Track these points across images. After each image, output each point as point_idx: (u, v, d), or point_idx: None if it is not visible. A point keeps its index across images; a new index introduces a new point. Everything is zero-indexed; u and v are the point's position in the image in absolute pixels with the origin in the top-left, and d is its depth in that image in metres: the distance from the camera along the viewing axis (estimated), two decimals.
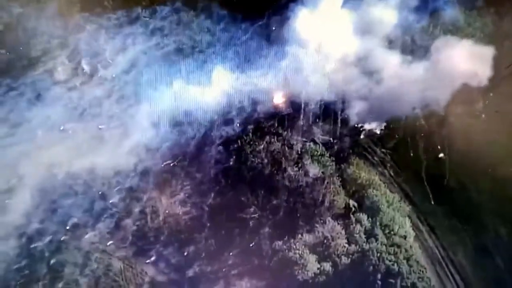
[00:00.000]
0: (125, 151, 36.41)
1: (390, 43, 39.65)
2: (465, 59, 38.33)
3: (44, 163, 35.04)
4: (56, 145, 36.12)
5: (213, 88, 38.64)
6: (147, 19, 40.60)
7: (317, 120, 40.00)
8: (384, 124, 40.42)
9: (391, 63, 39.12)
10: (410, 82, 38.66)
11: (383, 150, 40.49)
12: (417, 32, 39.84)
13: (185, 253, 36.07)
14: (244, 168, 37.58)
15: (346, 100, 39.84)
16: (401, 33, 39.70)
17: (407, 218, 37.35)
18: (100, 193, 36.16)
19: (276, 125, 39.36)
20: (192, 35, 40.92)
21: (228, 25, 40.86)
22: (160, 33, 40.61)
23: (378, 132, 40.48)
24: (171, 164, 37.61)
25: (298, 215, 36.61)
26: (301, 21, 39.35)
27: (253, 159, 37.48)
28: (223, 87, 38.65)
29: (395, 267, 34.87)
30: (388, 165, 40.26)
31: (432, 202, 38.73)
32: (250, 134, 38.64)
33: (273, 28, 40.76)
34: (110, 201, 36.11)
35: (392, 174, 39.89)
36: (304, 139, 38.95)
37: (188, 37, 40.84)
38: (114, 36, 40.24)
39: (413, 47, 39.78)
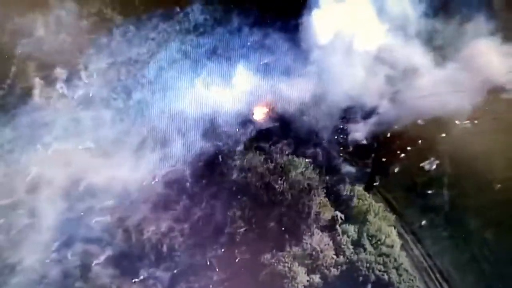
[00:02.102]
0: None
1: (419, 41, 39.34)
2: (496, 60, 38.52)
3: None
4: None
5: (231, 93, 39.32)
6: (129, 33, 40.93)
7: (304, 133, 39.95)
8: (371, 134, 40.15)
9: (419, 62, 39.03)
10: (439, 83, 38.67)
11: (366, 160, 40.57)
12: (447, 31, 39.48)
13: (172, 271, 35.46)
14: (229, 182, 37.31)
15: (367, 105, 39.81)
16: (431, 31, 39.47)
17: (393, 228, 37.56)
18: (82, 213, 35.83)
19: (261, 138, 39.34)
20: (217, 37, 41.12)
21: (254, 26, 40.99)
22: (186, 34, 41.09)
23: (364, 142, 40.30)
24: (153, 182, 37.23)
25: (285, 228, 36.24)
26: (328, 18, 39.26)
27: (239, 173, 37.31)
28: (240, 93, 39.27)
29: (385, 276, 35.01)
30: (373, 175, 40.44)
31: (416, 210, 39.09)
32: (234, 148, 38.46)
33: (299, 28, 40.30)
34: (94, 220, 35.60)
35: (376, 184, 40.10)
36: (288, 152, 38.69)
37: (214, 39, 41.08)
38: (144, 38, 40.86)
39: (443, 47, 39.47)
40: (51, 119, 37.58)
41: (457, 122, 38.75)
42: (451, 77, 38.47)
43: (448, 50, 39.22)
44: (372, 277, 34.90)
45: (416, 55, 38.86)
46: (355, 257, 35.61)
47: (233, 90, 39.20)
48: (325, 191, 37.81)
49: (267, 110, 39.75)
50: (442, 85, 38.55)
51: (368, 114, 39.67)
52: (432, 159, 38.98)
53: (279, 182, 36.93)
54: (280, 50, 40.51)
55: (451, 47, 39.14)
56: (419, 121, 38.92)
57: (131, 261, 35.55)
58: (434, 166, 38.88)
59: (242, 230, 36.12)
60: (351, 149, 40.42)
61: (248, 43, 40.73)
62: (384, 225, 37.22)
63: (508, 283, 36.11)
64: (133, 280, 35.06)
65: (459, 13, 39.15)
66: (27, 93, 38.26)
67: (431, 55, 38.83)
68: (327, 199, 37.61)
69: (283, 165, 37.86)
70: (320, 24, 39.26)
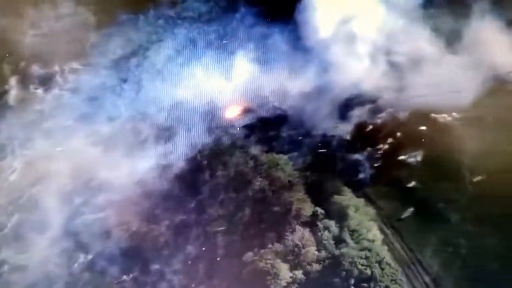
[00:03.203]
0: None
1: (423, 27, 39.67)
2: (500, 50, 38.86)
3: None
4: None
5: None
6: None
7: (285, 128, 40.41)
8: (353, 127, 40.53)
9: (422, 51, 39.42)
10: (441, 74, 38.99)
11: (348, 154, 40.62)
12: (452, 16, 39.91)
13: (152, 271, 35.46)
14: (208, 181, 37.65)
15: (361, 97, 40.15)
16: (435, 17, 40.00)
17: (373, 222, 37.84)
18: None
19: (242, 135, 39.75)
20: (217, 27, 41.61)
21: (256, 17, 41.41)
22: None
23: (347, 137, 40.47)
24: (133, 182, 37.21)
25: (266, 225, 36.59)
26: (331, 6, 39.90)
27: (218, 171, 37.72)
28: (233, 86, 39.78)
29: (368, 271, 35.12)
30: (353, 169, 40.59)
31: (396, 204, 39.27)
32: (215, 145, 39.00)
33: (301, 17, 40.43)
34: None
35: (356, 178, 40.08)
36: (267, 149, 39.30)
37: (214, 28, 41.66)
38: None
39: (447, 33, 39.76)
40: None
41: (435, 115, 39.43)
42: (453, 68, 38.93)
43: (453, 37, 39.63)
44: (355, 272, 35.01)
45: (420, 42, 39.43)
46: (337, 252, 35.77)
47: (228, 83, 39.90)
48: (305, 187, 38.29)
49: (249, 106, 40.17)
50: (443, 76, 38.91)
51: (356, 106, 40.16)
52: (412, 152, 39.38)
53: (259, 179, 37.48)
54: (281, 41, 41.00)
55: (456, 34, 39.59)
56: (400, 114, 39.61)
57: (110, 262, 35.63)
58: (414, 159, 39.38)
59: (222, 228, 36.40)
60: (333, 143, 40.43)
61: (248, 34, 41.13)
62: (365, 219, 37.50)
63: (491, 276, 36.43)
64: (115, 282, 35.06)
65: None
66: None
67: (435, 43, 39.31)
68: (307, 195, 37.97)
69: (263, 162, 38.35)
70: (323, 12, 39.77)
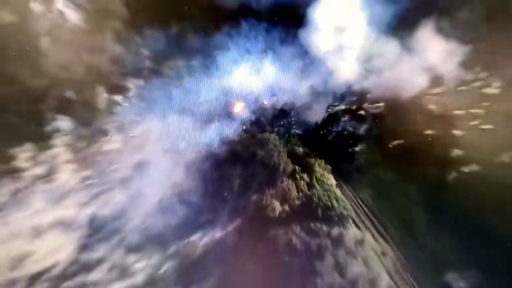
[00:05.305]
0: None
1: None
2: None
3: None
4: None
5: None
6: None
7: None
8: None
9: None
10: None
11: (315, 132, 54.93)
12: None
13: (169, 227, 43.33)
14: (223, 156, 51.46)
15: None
16: None
17: (330, 174, 53.36)
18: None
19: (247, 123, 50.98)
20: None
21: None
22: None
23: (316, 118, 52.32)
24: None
25: (264, 178, 50.59)
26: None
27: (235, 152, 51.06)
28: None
29: (329, 203, 49.44)
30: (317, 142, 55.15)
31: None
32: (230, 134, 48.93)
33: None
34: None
35: (320, 147, 55.01)
36: (261, 130, 53.57)
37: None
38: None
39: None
40: None
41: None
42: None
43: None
44: (321, 204, 49.52)
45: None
46: (309, 193, 50.41)
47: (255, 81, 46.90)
48: (286, 153, 53.23)
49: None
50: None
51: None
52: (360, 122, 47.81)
53: (259, 151, 51.63)
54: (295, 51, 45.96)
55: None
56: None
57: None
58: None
59: (238, 181, 50.14)
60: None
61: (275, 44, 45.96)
62: (325, 172, 53.08)
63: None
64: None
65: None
66: None
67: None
68: (289, 158, 53.09)
69: (260, 139, 52.78)
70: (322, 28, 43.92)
